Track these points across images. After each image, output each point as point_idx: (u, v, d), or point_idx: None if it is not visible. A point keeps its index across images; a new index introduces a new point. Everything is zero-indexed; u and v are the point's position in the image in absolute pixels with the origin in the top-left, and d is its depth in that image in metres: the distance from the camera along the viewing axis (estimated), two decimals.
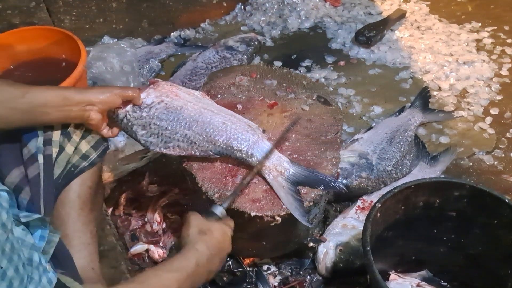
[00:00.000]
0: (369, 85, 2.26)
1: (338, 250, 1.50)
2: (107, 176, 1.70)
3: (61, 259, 1.02)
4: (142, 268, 1.56)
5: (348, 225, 1.56)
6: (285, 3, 2.74)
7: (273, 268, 1.55)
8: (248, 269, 1.52)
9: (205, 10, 2.65)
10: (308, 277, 1.53)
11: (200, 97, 1.32)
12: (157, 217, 1.66)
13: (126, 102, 1.21)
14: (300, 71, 2.32)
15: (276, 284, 1.52)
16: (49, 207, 1.06)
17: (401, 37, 2.56)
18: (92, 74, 2.00)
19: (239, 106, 1.46)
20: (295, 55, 2.44)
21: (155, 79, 1.33)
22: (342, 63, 2.39)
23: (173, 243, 1.62)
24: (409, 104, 2.06)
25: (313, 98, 1.52)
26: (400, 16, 2.65)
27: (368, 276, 1.21)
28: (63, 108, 1.06)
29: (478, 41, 2.52)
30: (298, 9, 2.71)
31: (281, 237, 1.39)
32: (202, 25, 2.65)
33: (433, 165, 1.82)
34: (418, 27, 2.63)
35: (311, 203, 1.25)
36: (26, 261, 0.82)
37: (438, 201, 1.32)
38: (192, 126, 1.23)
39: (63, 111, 1.06)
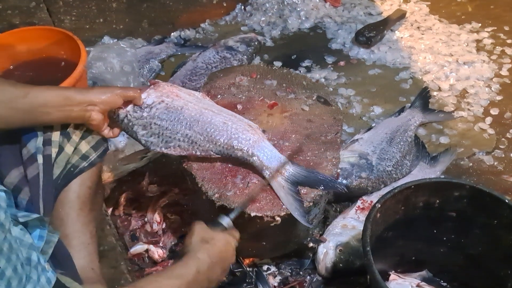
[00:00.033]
0: (369, 86, 2.26)
1: (338, 250, 1.50)
2: (107, 176, 1.70)
3: (60, 259, 1.02)
4: (142, 268, 1.56)
5: (348, 225, 1.56)
6: (285, 3, 2.74)
7: (273, 268, 1.55)
8: (248, 269, 1.52)
9: (205, 10, 2.65)
10: (308, 277, 1.53)
11: (200, 97, 1.32)
12: (157, 217, 1.66)
13: (126, 103, 1.21)
14: (300, 71, 2.32)
15: (276, 284, 1.52)
16: (49, 207, 1.06)
17: (401, 37, 2.56)
18: (92, 74, 2.00)
19: (239, 106, 1.47)
20: (295, 55, 2.44)
21: (156, 80, 1.33)
22: (342, 63, 2.39)
23: (173, 243, 1.62)
24: (409, 105, 2.06)
25: (313, 99, 1.52)
26: (400, 16, 2.65)
27: (368, 277, 1.21)
28: (64, 108, 1.06)
29: (478, 41, 2.52)
30: (298, 9, 2.72)
31: (281, 237, 1.39)
32: (202, 25, 2.65)
33: (433, 165, 1.82)
34: (418, 28, 2.63)
35: (311, 203, 1.25)
36: (24, 261, 0.82)
37: (438, 201, 1.32)
38: (193, 125, 1.23)
39: (64, 111, 1.06)
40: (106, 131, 1.19)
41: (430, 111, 2.04)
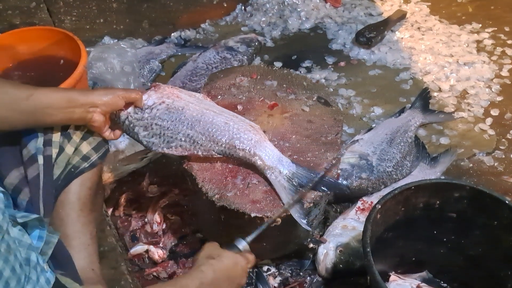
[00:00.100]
0: (369, 86, 2.26)
1: (338, 251, 1.50)
2: (107, 176, 1.70)
3: (61, 260, 1.02)
4: (142, 268, 1.57)
5: (348, 226, 1.56)
6: (286, 3, 2.74)
7: (273, 269, 1.55)
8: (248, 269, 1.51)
9: (205, 10, 2.65)
10: (308, 278, 1.54)
11: (201, 98, 1.32)
12: (157, 217, 1.66)
13: (128, 104, 1.21)
14: (300, 72, 2.32)
15: (276, 285, 1.52)
16: (49, 208, 1.06)
17: (402, 38, 2.56)
18: (93, 74, 2.00)
19: (239, 107, 1.47)
20: (295, 56, 2.44)
21: (157, 83, 1.33)
22: (342, 64, 2.39)
23: (173, 244, 1.62)
24: (409, 105, 2.06)
25: (314, 99, 1.52)
26: (400, 17, 2.65)
27: (368, 277, 1.21)
28: (66, 110, 1.06)
29: (478, 42, 2.52)
30: (299, 9, 2.72)
31: (281, 238, 1.39)
32: (202, 25, 2.65)
33: (433, 166, 1.82)
34: (419, 28, 2.63)
35: (312, 204, 1.25)
36: (23, 261, 0.82)
37: (438, 202, 1.32)
38: (194, 125, 1.24)
39: (67, 113, 1.06)
40: (107, 133, 1.19)
41: (430, 112, 2.04)
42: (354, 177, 1.66)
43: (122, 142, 1.77)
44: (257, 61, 2.40)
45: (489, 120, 2.06)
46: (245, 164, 1.27)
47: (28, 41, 1.83)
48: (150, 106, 1.24)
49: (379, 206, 1.23)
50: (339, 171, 1.35)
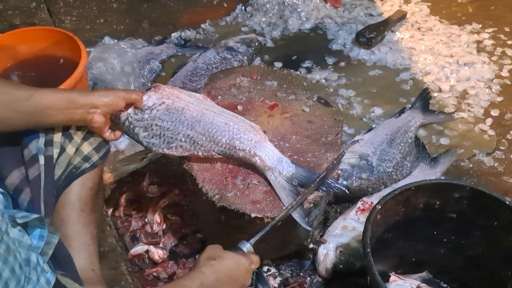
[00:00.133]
0: (369, 86, 2.26)
1: (338, 251, 1.50)
2: (107, 177, 1.70)
3: (61, 260, 1.02)
4: (142, 269, 1.57)
5: (348, 227, 1.56)
6: (286, 4, 2.74)
7: (273, 269, 1.55)
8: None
9: (205, 10, 2.65)
10: (308, 278, 1.54)
11: (201, 99, 1.32)
12: (157, 218, 1.66)
13: (128, 105, 1.21)
14: (300, 72, 2.32)
15: (276, 285, 1.52)
16: (50, 208, 1.06)
17: (402, 38, 2.56)
18: (93, 75, 2.00)
19: (239, 107, 1.47)
20: (295, 56, 2.44)
21: (157, 84, 1.33)
22: (342, 64, 2.39)
23: (173, 244, 1.63)
24: (410, 106, 2.06)
25: (314, 99, 1.52)
26: (400, 17, 2.65)
27: (368, 278, 1.21)
28: (67, 111, 1.06)
29: (478, 42, 2.52)
30: (299, 10, 2.72)
31: (282, 238, 1.39)
32: (202, 25, 2.65)
33: (433, 166, 1.82)
34: (419, 28, 2.63)
35: (312, 205, 1.25)
36: (23, 262, 0.82)
37: (438, 202, 1.32)
38: (195, 126, 1.24)
39: (67, 114, 1.06)
40: (108, 133, 1.19)
41: (431, 112, 2.04)
42: (354, 177, 1.66)
43: (122, 143, 1.78)
44: (257, 61, 2.40)
45: (489, 121, 2.06)
46: (245, 164, 1.27)
47: (28, 41, 1.83)
48: (150, 106, 1.24)
49: (379, 207, 1.23)
50: (339, 172, 1.35)
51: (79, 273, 1.05)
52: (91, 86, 1.96)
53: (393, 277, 1.40)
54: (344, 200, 1.73)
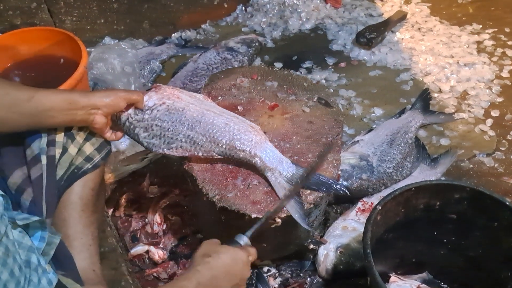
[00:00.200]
0: (369, 87, 2.26)
1: (338, 252, 1.50)
2: (108, 177, 1.70)
3: (62, 260, 1.02)
4: (142, 269, 1.57)
5: (349, 227, 1.56)
6: (286, 4, 2.74)
7: (273, 270, 1.55)
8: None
9: (206, 11, 2.65)
10: (309, 279, 1.54)
11: (202, 99, 1.32)
12: (157, 218, 1.66)
13: (128, 105, 1.21)
14: (300, 73, 2.32)
15: (276, 286, 1.52)
16: (51, 208, 1.06)
17: (402, 38, 2.56)
18: (93, 75, 2.00)
19: (240, 108, 1.47)
20: (295, 57, 2.44)
21: (158, 84, 1.33)
22: (342, 64, 2.39)
23: (173, 244, 1.63)
24: (410, 106, 2.06)
25: (314, 100, 1.52)
26: (401, 17, 2.65)
27: (369, 278, 1.21)
28: (68, 112, 1.06)
29: (479, 43, 2.52)
30: (299, 10, 2.72)
31: (282, 238, 1.39)
32: (203, 26, 2.66)
33: (433, 167, 1.82)
34: (419, 29, 2.63)
35: (312, 205, 1.25)
36: (23, 264, 0.82)
37: (438, 203, 1.32)
38: (195, 126, 1.24)
39: (69, 115, 1.06)
40: (109, 134, 1.19)
41: (431, 113, 2.04)
42: (354, 178, 1.66)
43: (122, 143, 1.78)
44: (257, 61, 2.40)
45: (489, 121, 2.06)
46: (246, 165, 1.27)
47: (28, 42, 1.83)
48: (151, 107, 1.24)
49: (380, 207, 1.23)
50: (339, 172, 1.35)
51: (80, 274, 1.05)
52: (92, 87, 1.96)
53: (393, 277, 1.41)
54: (344, 201, 1.73)
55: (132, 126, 1.24)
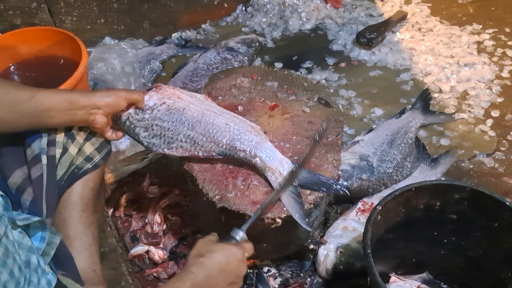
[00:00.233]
0: (370, 87, 2.26)
1: (338, 252, 1.50)
2: (108, 177, 1.70)
3: (62, 260, 1.02)
4: (142, 269, 1.57)
5: (349, 227, 1.56)
6: (286, 4, 2.74)
7: (273, 270, 1.56)
8: (248, 270, 1.52)
9: (206, 11, 2.65)
10: (309, 279, 1.54)
11: (202, 99, 1.32)
12: (157, 218, 1.66)
13: (129, 105, 1.21)
14: (301, 73, 2.32)
15: (276, 286, 1.52)
16: (52, 208, 1.06)
17: (402, 39, 2.56)
18: (93, 75, 2.00)
19: (240, 108, 1.47)
20: (296, 57, 2.44)
21: (158, 84, 1.33)
22: (343, 64, 2.39)
23: (173, 244, 1.63)
24: (410, 106, 2.06)
25: (314, 100, 1.52)
26: (401, 18, 2.65)
27: (369, 278, 1.21)
28: (69, 112, 1.06)
29: (479, 43, 2.52)
30: (299, 10, 2.72)
31: (282, 239, 1.39)
32: (203, 26, 2.66)
33: (433, 167, 1.82)
34: (419, 29, 2.64)
35: (312, 205, 1.25)
36: (23, 264, 0.82)
37: (438, 203, 1.32)
38: (195, 126, 1.24)
39: (69, 115, 1.06)
40: (109, 134, 1.20)
41: (431, 113, 2.04)
42: (354, 178, 1.66)
43: (122, 143, 1.78)
44: (257, 61, 2.40)
45: (489, 122, 2.06)
46: (246, 165, 1.27)
47: (29, 42, 1.83)
48: (151, 107, 1.24)
49: (380, 207, 1.23)
50: (339, 172, 1.35)
51: (80, 274, 1.05)
52: (92, 87, 1.96)
53: (393, 278, 1.41)
54: (344, 201, 1.73)
55: (132, 126, 1.24)
